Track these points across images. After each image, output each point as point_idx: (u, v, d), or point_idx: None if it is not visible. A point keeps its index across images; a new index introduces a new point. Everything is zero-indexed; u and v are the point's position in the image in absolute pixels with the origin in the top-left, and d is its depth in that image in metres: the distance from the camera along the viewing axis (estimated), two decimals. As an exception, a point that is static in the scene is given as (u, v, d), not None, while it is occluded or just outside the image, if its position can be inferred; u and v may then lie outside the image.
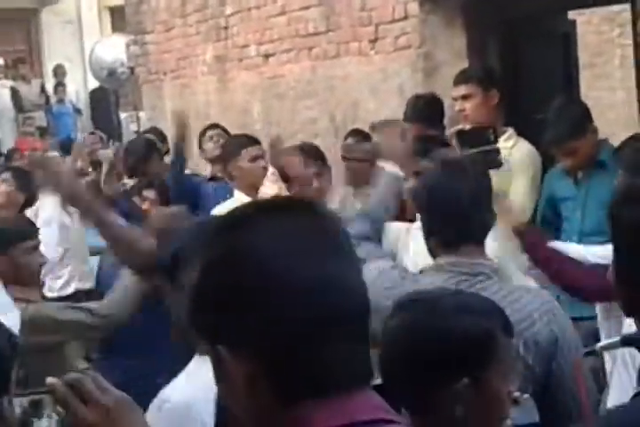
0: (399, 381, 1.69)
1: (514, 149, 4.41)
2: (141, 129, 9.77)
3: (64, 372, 1.31)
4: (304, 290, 1.11)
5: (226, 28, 7.82)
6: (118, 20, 13.55)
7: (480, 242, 2.53)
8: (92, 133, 9.25)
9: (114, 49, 10.97)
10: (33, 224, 3.72)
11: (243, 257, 1.13)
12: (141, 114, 9.94)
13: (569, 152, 4.10)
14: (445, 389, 1.68)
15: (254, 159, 4.75)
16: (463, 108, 4.31)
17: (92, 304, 3.55)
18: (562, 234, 4.28)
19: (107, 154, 8.21)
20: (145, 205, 4.66)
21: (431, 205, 2.58)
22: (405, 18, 5.84)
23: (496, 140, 3.91)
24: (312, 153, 4.25)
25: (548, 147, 4.22)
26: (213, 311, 1.14)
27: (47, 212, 5.86)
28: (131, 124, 10.51)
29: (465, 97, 4.34)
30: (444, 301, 1.77)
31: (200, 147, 6.06)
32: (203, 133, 5.99)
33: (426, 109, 4.93)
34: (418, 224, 3.09)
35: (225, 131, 6.07)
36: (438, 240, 2.52)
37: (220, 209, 4.53)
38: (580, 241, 4.14)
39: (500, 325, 1.76)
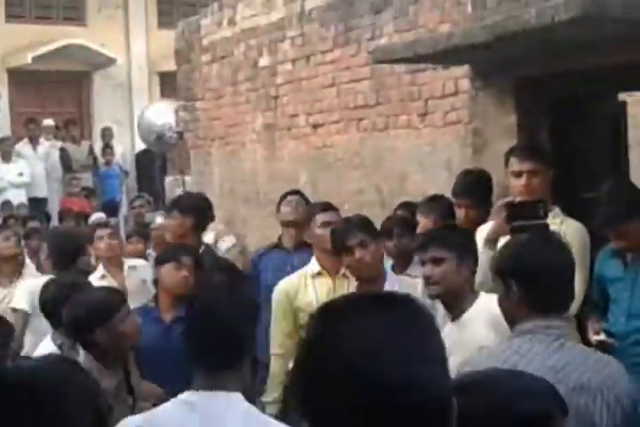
0: None
1: (563, 226, 4.39)
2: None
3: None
4: (383, 388, 1.17)
5: (276, 97, 7.96)
6: (167, 85, 13.83)
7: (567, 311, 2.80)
8: (140, 197, 9.40)
9: (163, 113, 11.14)
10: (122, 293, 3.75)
11: (331, 348, 1.20)
12: (187, 178, 10.06)
13: (620, 234, 4.10)
14: None
15: (326, 225, 4.71)
16: (527, 183, 4.30)
17: None
18: (610, 315, 4.25)
19: (153, 217, 8.35)
20: (183, 272, 4.65)
21: (534, 274, 2.68)
22: (456, 93, 5.92)
23: (546, 215, 3.92)
24: (358, 224, 4.27)
25: (599, 228, 4.22)
26: (301, 386, 1.24)
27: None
28: (176, 188, 10.62)
29: (531, 173, 4.33)
30: (502, 383, 1.78)
31: (277, 210, 6.01)
32: (283, 197, 5.90)
33: (475, 185, 4.96)
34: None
35: (305, 199, 5.95)
36: (530, 308, 2.65)
37: (289, 279, 4.61)
38: (627, 322, 4.12)
39: (558, 405, 1.79)
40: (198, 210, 5.63)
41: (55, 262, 5.50)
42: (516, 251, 2.83)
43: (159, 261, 4.71)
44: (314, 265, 4.72)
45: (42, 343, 4.13)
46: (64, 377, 1.48)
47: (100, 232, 5.88)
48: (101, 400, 1.56)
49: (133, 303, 5.54)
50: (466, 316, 3.47)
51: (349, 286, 4.49)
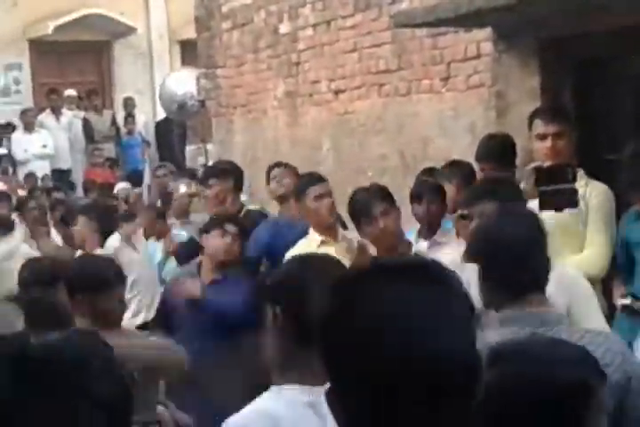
0: None
1: (588, 188, 4.35)
2: (209, 162, 9.89)
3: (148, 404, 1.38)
4: (414, 359, 1.21)
5: (297, 63, 7.93)
6: (188, 53, 13.79)
7: (544, 289, 2.55)
8: (163, 166, 9.42)
9: (184, 82, 11.11)
10: (120, 272, 3.79)
11: (360, 317, 1.24)
12: (209, 147, 10.07)
13: (645, 196, 4.06)
14: None
15: (319, 198, 4.75)
16: (553, 145, 4.24)
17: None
18: (636, 278, 4.23)
19: (177, 185, 8.38)
20: (227, 239, 4.75)
21: (497, 251, 2.54)
22: (478, 57, 5.87)
23: (574, 179, 3.88)
24: (379, 193, 4.26)
25: (623, 191, 4.19)
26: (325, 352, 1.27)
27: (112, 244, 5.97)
28: (198, 156, 10.64)
29: (556, 135, 4.25)
30: (540, 351, 1.78)
31: (267, 184, 6.06)
32: (268, 172, 5.99)
33: (499, 149, 4.92)
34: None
35: (292, 168, 5.99)
36: (503, 290, 2.52)
37: (295, 250, 4.59)
38: (655, 285, 4.10)
39: (597, 373, 1.78)
40: (234, 174, 5.79)
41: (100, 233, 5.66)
42: (482, 231, 2.72)
43: (205, 229, 4.87)
44: (314, 235, 4.73)
45: None
46: (90, 351, 1.50)
47: None
48: (126, 373, 1.58)
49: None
50: None
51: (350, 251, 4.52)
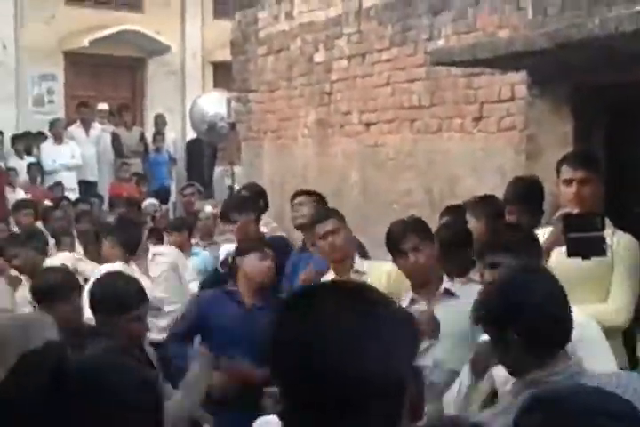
0: None
1: (615, 238, 4.36)
2: (235, 184, 9.97)
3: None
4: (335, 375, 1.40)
5: (330, 93, 7.99)
6: (220, 74, 13.95)
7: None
8: (191, 185, 9.51)
9: (215, 103, 11.25)
10: (143, 293, 3.84)
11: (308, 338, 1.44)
12: (236, 169, 10.14)
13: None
14: None
15: (324, 236, 4.77)
16: (578, 191, 4.25)
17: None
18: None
19: (202, 205, 8.45)
20: (267, 262, 4.82)
21: (524, 311, 2.53)
22: (512, 99, 5.91)
23: (603, 228, 3.89)
24: (413, 227, 4.24)
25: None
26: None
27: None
28: (226, 178, 10.72)
29: (583, 181, 4.26)
30: (582, 400, 1.76)
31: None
32: (292, 199, 6.03)
33: (526, 193, 4.93)
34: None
35: (315, 196, 6.01)
36: (535, 350, 2.52)
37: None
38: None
39: None
40: (256, 205, 5.99)
41: (124, 252, 5.66)
42: (506, 292, 2.61)
43: (242, 251, 4.84)
44: (330, 271, 4.79)
45: None
46: (127, 370, 1.55)
47: None
48: (159, 391, 1.63)
49: (159, 290, 5.71)
50: None
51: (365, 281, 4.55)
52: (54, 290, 4.06)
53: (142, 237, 5.98)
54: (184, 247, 6.68)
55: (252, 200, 6.07)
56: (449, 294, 4.00)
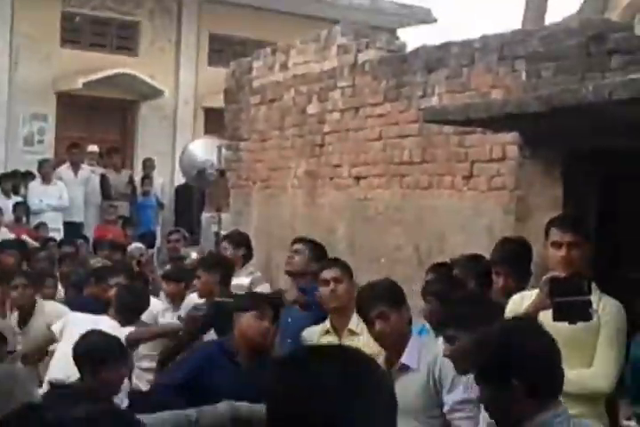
0: None
1: (601, 303, 4.35)
2: (222, 231, 9.94)
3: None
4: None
5: (321, 145, 8.03)
6: (212, 120, 13.99)
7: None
8: (177, 231, 9.48)
9: (206, 149, 11.29)
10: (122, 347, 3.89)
11: (299, 394, 1.65)
12: (223, 216, 10.13)
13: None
14: None
15: (324, 283, 4.81)
16: (566, 254, 4.24)
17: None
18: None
19: (188, 252, 8.42)
20: (265, 323, 4.60)
21: (525, 363, 2.64)
22: (503, 159, 5.95)
23: (590, 292, 3.88)
24: (380, 294, 4.15)
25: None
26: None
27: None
28: (212, 224, 10.70)
29: (571, 244, 4.25)
30: None
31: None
32: (291, 245, 6.04)
33: (513, 254, 4.93)
34: None
35: (310, 245, 5.97)
36: (533, 400, 2.61)
37: (305, 334, 4.61)
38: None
39: None
40: (223, 266, 5.96)
41: (123, 317, 5.55)
42: (506, 342, 2.74)
43: (239, 309, 4.59)
44: (326, 321, 4.76)
45: None
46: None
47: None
48: None
49: (143, 348, 5.67)
50: None
51: (358, 344, 4.50)
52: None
53: (145, 309, 5.86)
54: (179, 298, 6.59)
55: (222, 260, 6.11)
56: (406, 368, 3.95)
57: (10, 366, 4.09)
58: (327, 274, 4.82)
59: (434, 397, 3.85)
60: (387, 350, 4.04)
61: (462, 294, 4.46)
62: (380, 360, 3.96)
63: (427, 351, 4.00)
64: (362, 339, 4.51)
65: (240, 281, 6.17)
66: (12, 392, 2.19)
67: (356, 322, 4.68)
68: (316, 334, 4.82)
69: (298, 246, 5.90)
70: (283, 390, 1.67)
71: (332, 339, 4.67)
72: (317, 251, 5.86)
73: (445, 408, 3.84)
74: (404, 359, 3.95)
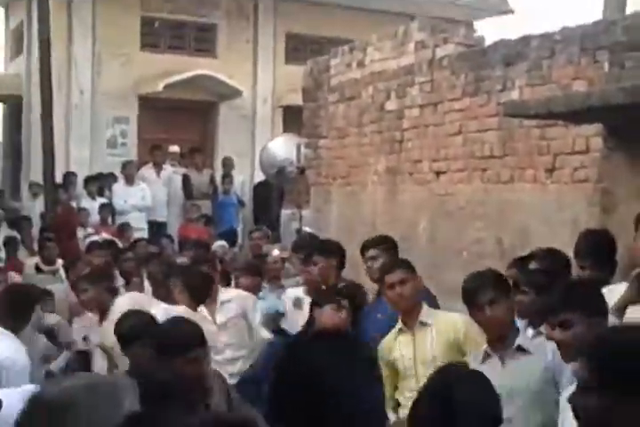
0: None
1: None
2: (303, 227, 10.04)
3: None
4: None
5: (400, 141, 8.04)
6: (290, 119, 14.09)
7: None
8: (259, 229, 9.59)
9: (285, 148, 11.40)
10: (201, 336, 3.89)
11: (304, 371, 2.15)
12: (304, 213, 10.22)
13: None
14: None
15: (390, 287, 4.76)
16: None
17: None
18: None
19: (270, 249, 8.50)
20: (343, 314, 4.85)
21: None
22: (586, 151, 5.89)
23: None
24: (489, 280, 4.18)
25: None
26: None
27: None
28: (292, 221, 10.79)
29: None
30: None
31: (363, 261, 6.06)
32: (362, 250, 5.86)
33: (596, 247, 4.87)
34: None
35: (385, 247, 5.82)
36: None
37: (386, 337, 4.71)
38: None
39: None
40: (339, 252, 6.03)
41: (192, 299, 5.69)
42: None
43: (318, 303, 4.88)
44: (400, 320, 4.78)
45: None
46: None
47: None
48: None
49: (225, 337, 5.75)
50: None
51: (431, 333, 4.56)
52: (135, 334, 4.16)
53: (212, 287, 5.95)
54: (255, 291, 6.71)
55: (337, 246, 6.11)
56: (521, 350, 3.95)
57: (118, 378, 4.20)
58: (391, 278, 4.76)
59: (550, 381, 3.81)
60: (491, 338, 4.02)
61: (568, 280, 4.40)
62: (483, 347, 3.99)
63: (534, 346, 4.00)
64: (434, 331, 4.55)
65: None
66: (122, 404, 2.25)
67: (426, 313, 4.70)
68: (396, 333, 4.83)
69: (373, 253, 5.78)
70: (287, 359, 2.19)
71: (405, 336, 4.69)
72: (391, 246, 5.77)
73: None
74: (519, 341, 3.97)
